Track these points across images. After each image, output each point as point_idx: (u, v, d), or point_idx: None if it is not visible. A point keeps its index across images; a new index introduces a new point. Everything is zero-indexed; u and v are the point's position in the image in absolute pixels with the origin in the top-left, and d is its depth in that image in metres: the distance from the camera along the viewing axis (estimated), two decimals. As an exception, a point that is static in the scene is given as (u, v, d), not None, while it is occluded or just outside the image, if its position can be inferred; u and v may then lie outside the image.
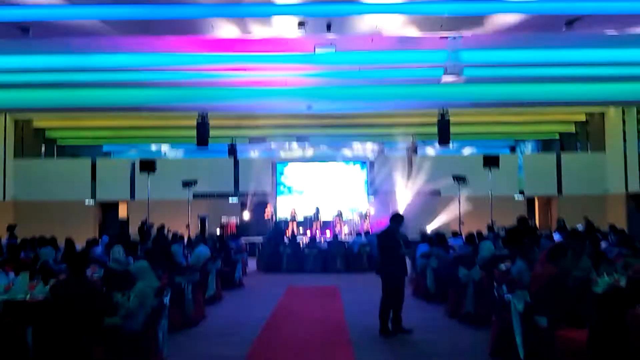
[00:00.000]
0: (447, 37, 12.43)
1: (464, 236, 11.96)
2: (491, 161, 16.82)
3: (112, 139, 23.93)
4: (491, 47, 13.74)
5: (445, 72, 12.86)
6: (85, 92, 16.53)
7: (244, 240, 17.58)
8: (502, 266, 7.03)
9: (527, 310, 5.39)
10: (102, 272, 6.57)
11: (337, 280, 14.14)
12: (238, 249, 14.51)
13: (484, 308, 7.54)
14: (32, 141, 21.71)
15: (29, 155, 21.32)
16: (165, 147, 25.22)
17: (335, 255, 15.84)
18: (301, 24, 10.09)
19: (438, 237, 11.06)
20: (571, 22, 10.78)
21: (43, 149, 22.55)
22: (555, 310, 5.09)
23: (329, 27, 10.46)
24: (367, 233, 17.24)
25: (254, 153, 23.84)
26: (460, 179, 16.84)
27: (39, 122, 21.57)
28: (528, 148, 25.95)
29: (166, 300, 5.59)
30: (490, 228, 14.84)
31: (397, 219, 7.88)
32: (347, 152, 23.72)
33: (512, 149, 26.99)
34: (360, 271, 15.31)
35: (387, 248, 7.60)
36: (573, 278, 5.36)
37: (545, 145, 25.55)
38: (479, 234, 11.01)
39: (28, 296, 5.57)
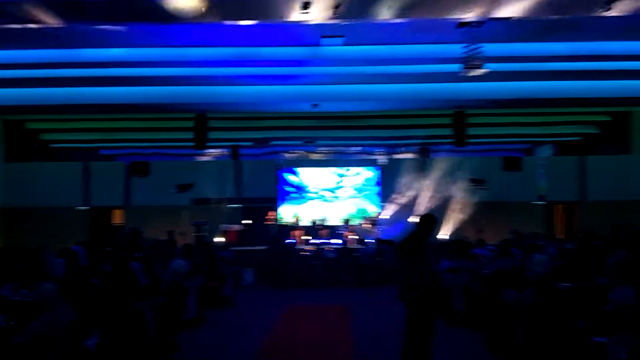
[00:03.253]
0: (465, 26, 11.24)
1: (486, 245, 10.62)
2: (512, 164, 15.52)
3: (107, 142, 22.72)
4: (512, 38, 12.53)
5: (465, 65, 11.62)
6: (75, 89, 15.35)
7: (241, 249, 16.15)
8: (562, 286, 5.51)
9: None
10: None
11: (346, 296, 12.70)
12: (229, 261, 13.09)
13: (538, 340, 5.69)
14: (23, 144, 20.58)
15: (20, 159, 20.20)
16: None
17: (343, 267, 14.32)
18: (306, 5, 8.65)
19: (462, 246, 9.47)
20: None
21: (34, 151, 21.42)
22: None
23: (337, 7, 8.93)
24: (379, 241, 15.69)
25: (257, 156, 22.64)
26: (478, 182, 15.54)
27: (31, 123, 20.43)
28: (546, 151, 24.59)
29: (91, 343, 4.29)
30: (548, 237, 13.02)
31: (426, 222, 6.01)
32: (355, 154, 22.49)
33: (528, 153, 25.68)
34: (371, 285, 13.90)
35: (413, 263, 5.75)
36: None
37: (562, 148, 24.22)
38: (534, 245, 8.98)
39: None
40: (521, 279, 6.24)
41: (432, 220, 6.08)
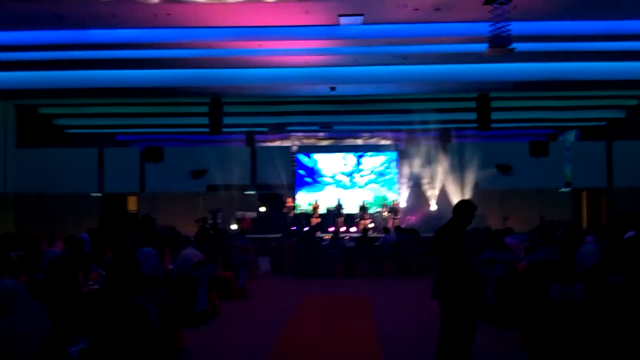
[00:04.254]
0: (493, 3, 10.65)
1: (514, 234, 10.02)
2: (539, 149, 14.88)
3: (122, 127, 22.41)
4: (542, 15, 11.88)
5: (491, 44, 11.02)
6: (86, 72, 15.05)
7: (257, 237, 15.66)
8: (613, 279, 4.89)
9: None
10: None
11: (365, 287, 12.00)
12: (244, 249, 12.47)
13: (587, 341, 4.93)
14: (37, 129, 20.32)
15: (33, 144, 19.95)
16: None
17: (362, 256, 13.57)
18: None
19: (496, 235, 8.67)
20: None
21: (49, 137, 21.16)
22: None
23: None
24: (399, 229, 14.99)
25: (273, 142, 22.19)
26: (504, 169, 14.94)
27: (45, 108, 20.15)
28: (570, 136, 23.82)
29: (74, 350, 3.79)
30: (595, 227, 11.90)
31: (464, 209, 5.29)
32: (374, 140, 21.93)
33: (551, 138, 24.93)
34: (392, 276, 13.32)
35: (450, 255, 5.06)
36: None
37: (586, 133, 23.44)
38: (572, 232, 7.62)
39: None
40: (565, 271, 5.49)
41: (470, 207, 5.36)
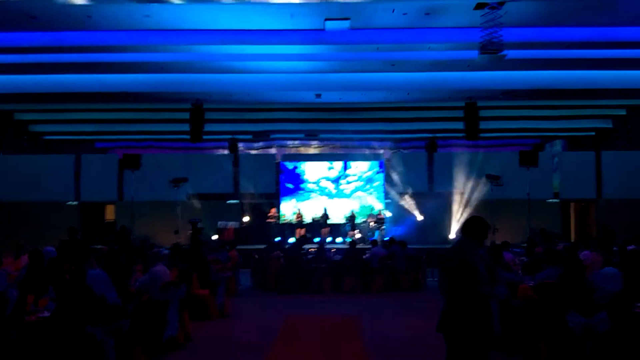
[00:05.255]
0: (484, 7, 10.32)
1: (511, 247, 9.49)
2: (528, 159, 14.55)
3: (101, 134, 21.78)
4: (533, 21, 11.57)
5: (482, 50, 10.67)
6: (62, 77, 14.51)
7: (240, 248, 14.89)
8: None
9: None
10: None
11: (354, 305, 11.24)
12: (223, 265, 11.55)
13: None
14: (12, 136, 19.64)
15: (8, 151, 19.28)
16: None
17: (350, 271, 12.78)
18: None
19: (495, 250, 7.98)
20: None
21: (26, 144, 20.47)
22: None
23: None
24: (390, 242, 14.18)
25: (257, 150, 21.71)
26: (493, 179, 14.58)
27: (20, 114, 19.46)
28: (557, 146, 23.61)
29: None
30: (586, 240, 11.26)
31: (475, 228, 4.47)
32: (360, 148, 21.53)
33: (537, 149, 24.70)
34: (382, 292, 12.61)
35: (459, 282, 4.30)
36: None
37: (573, 144, 23.25)
38: (574, 249, 7.47)
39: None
40: (584, 299, 4.89)
41: (482, 224, 4.49)
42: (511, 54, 11.91)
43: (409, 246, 13.65)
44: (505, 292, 6.50)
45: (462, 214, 17.56)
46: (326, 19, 11.02)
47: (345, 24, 11.26)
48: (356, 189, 19.91)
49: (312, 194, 20.04)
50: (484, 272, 4.34)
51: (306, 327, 9.19)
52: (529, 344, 5.66)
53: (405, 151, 20.44)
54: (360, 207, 19.61)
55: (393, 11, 10.57)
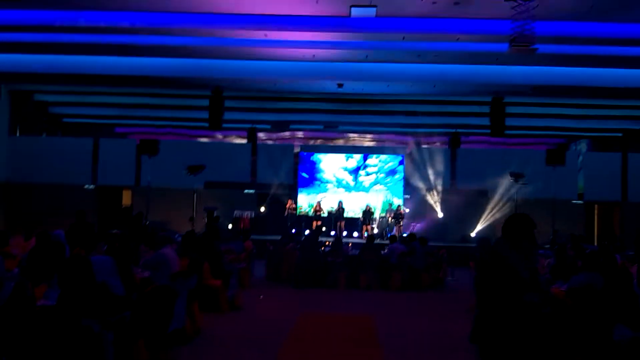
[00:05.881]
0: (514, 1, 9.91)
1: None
2: (555, 157, 14.07)
3: (120, 118, 21.66)
4: (562, 16, 11.13)
5: (513, 43, 10.27)
6: (83, 58, 14.35)
7: (254, 239, 14.47)
8: None
9: None
10: None
11: (371, 303, 10.78)
12: (237, 255, 11.15)
13: None
14: (32, 117, 19.56)
15: (28, 133, 19.21)
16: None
17: (367, 266, 12.28)
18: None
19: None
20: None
21: (45, 125, 20.42)
22: None
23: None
24: (410, 237, 13.66)
25: (275, 140, 21.47)
26: (517, 177, 14.12)
27: (41, 95, 19.39)
28: (582, 147, 23.04)
29: None
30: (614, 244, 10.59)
31: (518, 228, 3.73)
32: (380, 142, 21.18)
33: (562, 147, 24.13)
34: (400, 290, 12.10)
35: (500, 288, 3.65)
36: None
37: (597, 144, 22.66)
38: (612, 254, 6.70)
39: None
40: (633, 311, 4.39)
41: (527, 223, 3.77)
42: (541, 48, 11.51)
43: (428, 243, 13.26)
44: (536, 297, 6.03)
45: (486, 213, 17.15)
46: (352, 6, 10.69)
47: (371, 11, 10.91)
48: (376, 181, 19.55)
49: (329, 186, 19.75)
50: (528, 278, 3.69)
51: (321, 326, 8.74)
52: (561, 357, 5.19)
53: (427, 146, 20.01)
54: (381, 202, 19.28)
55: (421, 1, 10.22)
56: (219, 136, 22.43)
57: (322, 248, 13.08)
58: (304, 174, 19.96)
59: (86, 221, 10.58)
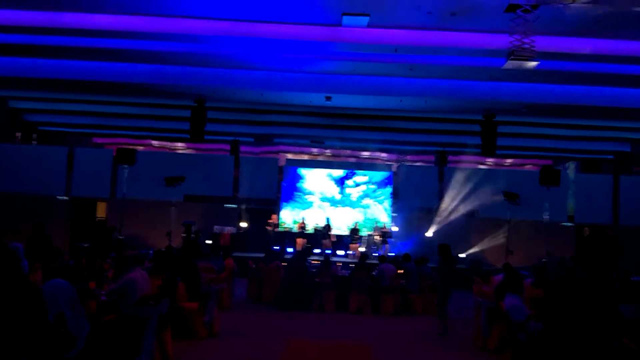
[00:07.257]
0: (515, 10, 9.47)
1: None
2: (550, 177, 13.61)
3: (98, 127, 20.88)
4: (562, 31, 10.72)
5: (511, 56, 9.80)
6: (59, 62, 13.70)
7: (235, 256, 13.79)
8: None
9: None
10: None
11: (362, 329, 10.10)
12: (216, 275, 10.24)
13: None
14: (6, 124, 18.73)
15: (1, 140, 18.37)
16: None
17: (358, 288, 11.57)
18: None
19: (515, 279, 6.76)
20: None
21: (21, 133, 19.60)
22: None
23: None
24: (405, 258, 13.01)
25: (259, 154, 20.84)
26: (511, 197, 13.62)
27: (15, 102, 18.56)
28: (571, 169, 22.72)
29: None
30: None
31: (605, 252, 2.93)
32: (367, 159, 20.64)
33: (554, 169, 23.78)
34: (393, 314, 11.47)
35: (575, 331, 2.86)
36: None
37: (585, 166, 22.38)
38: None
39: None
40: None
41: (615, 247, 2.97)
42: (538, 64, 11.11)
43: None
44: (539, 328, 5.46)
45: (473, 232, 16.62)
46: (344, 14, 10.17)
47: (363, 21, 10.41)
48: (364, 195, 18.98)
49: (313, 199, 19.14)
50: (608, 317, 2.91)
51: (311, 357, 7.98)
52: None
53: (414, 164, 19.50)
54: (366, 218, 18.70)
55: (419, 8, 9.72)
56: (200, 149, 21.76)
57: (310, 268, 12.38)
58: (289, 190, 19.34)
59: (45, 233, 9.73)
